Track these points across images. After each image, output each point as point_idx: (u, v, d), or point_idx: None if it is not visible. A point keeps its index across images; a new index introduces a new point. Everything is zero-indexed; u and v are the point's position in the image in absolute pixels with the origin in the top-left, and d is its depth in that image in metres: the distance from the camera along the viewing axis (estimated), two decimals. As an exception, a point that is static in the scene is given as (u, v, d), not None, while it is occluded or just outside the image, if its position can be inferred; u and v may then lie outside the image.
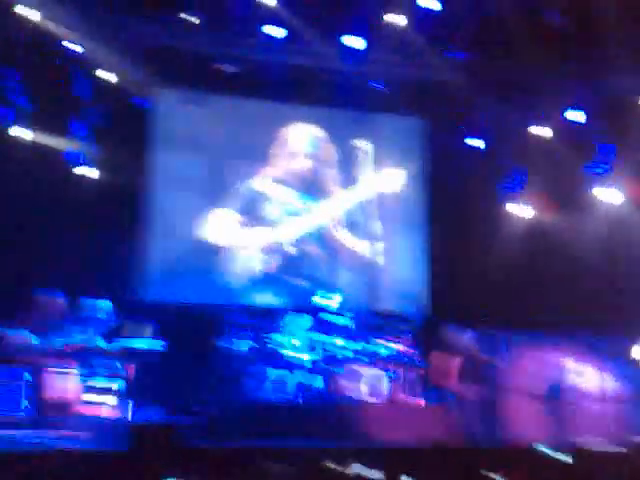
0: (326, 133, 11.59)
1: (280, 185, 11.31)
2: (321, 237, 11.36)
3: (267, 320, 9.27)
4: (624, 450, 6.20)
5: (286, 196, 11.30)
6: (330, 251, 11.38)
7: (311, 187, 11.45)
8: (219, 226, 10.94)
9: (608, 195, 10.66)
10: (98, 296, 8.81)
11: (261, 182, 11.24)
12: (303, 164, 11.44)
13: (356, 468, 4.65)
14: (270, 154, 11.33)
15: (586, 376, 9.13)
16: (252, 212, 11.13)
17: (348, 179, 11.54)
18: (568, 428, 8.71)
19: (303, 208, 11.33)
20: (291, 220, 11.23)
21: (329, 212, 11.43)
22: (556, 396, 8.93)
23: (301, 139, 11.49)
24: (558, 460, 5.52)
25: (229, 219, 11.00)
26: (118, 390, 8.44)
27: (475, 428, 8.55)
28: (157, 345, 8.58)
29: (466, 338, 9.22)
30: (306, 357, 8.89)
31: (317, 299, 9.57)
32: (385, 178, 11.55)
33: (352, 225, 11.54)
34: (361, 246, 11.45)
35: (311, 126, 11.56)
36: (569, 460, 5.37)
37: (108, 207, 10.03)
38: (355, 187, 11.51)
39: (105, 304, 8.69)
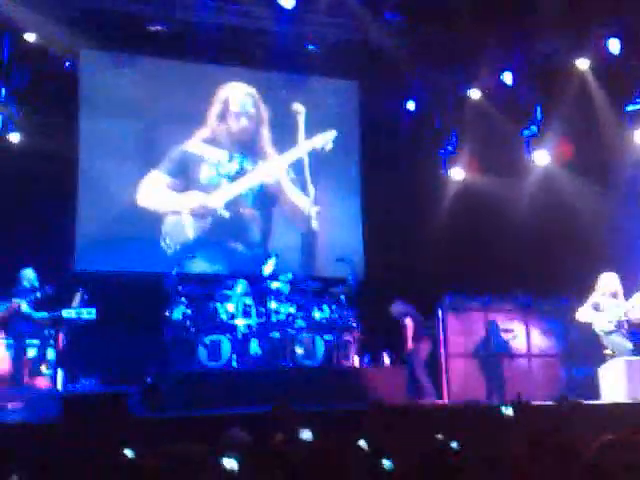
0: (260, 93, 11.40)
1: (213, 146, 11.06)
2: (256, 199, 11.21)
3: (202, 286, 9.16)
4: (556, 404, 6.38)
5: (220, 157, 11.08)
6: (265, 213, 11.26)
7: (245, 147, 11.25)
8: (152, 191, 10.69)
9: (540, 157, 10.81)
10: (25, 265, 8.55)
11: (194, 144, 10.99)
12: (237, 123, 11.21)
13: (304, 433, 4.61)
14: (203, 115, 11.08)
15: (518, 334, 9.36)
16: (185, 175, 10.88)
17: (282, 141, 11.44)
18: (503, 384, 8.94)
19: (237, 169, 11.16)
20: (225, 182, 11.04)
21: (264, 173, 11.29)
22: (490, 354, 9.14)
23: (235, 98, 11.26)
24: (498, 414, 5.61)
25: (162, 183, 10.76)
26: (48, 359, 8.26)
27: (421, 387, 8.72)
28: (88, 314, 8.38)
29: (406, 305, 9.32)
30: (241, 322, 8.83)
31: (252, 264, 9.50)
32: (319, 141, 11.49)
33: (287, 187, 11.44)
34: (296, 208, 11.40)
35: (245, 85, 11.35)
36: (509, 414, 5.47)
37: (34, 174, 9.63)
38: (289, 149, 11.43)
39: (31, 273, 8.44)
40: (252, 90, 11.37)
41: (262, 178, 11.28)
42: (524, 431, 4.30)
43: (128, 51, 10.69)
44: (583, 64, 10.42)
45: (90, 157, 10.41)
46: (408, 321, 9.16)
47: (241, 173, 11.16)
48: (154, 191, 10.70)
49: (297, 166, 11.53)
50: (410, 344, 9.08)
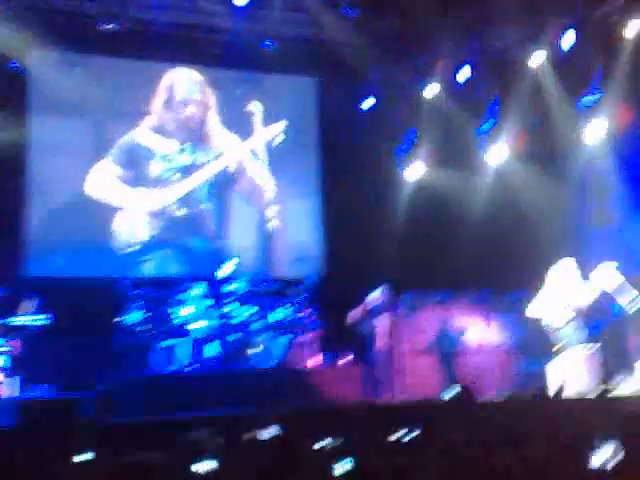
0: (210, 84, 11.20)
1: (162, 135, 10.85)
2: (211, 191, 11.07)
3: (157, 290, 9.07)
4: (514, 397, 6.42)
5: (170, 148, 10.89)
6: (221, 206, 11.11)
7: (194, 134, 11.04)
8: (101, 182, 10.43)
9: (496, 151, 10.87)
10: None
11: (142, 132, 10.77)
12: (184, 111, 11.01)
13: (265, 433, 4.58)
14: (151, 104, 10.88)
15: (475, 329, 9.41)
16: (136, 168, 10.68)
17: (239, 138, 11.34)
18: (460, 379, 8.97)
19: (190, 162, 11.01)
20: (178, 177, 10.88)
21: (219, 165, 11.15)
22: (447, 349, 9.18)
23: (180, 85, 11.05)
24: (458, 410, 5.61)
25: (112, 174, 10.51)
26: (4, 367, 8.14)
27: (384, 384, 8.73)
28: (41, 320, 8.26)
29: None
30: (198, 325, 8.76)
31: (209, 264, 9.43)
32: (276, 138, 11.43)
33: (248, 167, 11.34)
34: (257, 189, 11.30)
35: (189, 70, 11.14)
36: (449, 398, 5.47)
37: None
38: (245, 145, 11.34)
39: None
40: (197, 75, 11.17)
41: (217, 168, 11.11)
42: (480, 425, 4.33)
43: (79, 50, 10.51)
44: (538, 57, 10.46)
45: (40, 157, 10.20)
46: (384, 317, 9.08)
47: (193, 166, 11.01)
48: (104, 182, 10.48)
49: (254, 164, 11.45)
50: (382, 343, 9.01)
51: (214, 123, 11.21)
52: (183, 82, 11.08)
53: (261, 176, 11.37)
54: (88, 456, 3.90)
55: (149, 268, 10.01)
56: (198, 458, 3.57)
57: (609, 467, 2.73)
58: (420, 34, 10.99)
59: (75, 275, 9.87)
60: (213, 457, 3.59)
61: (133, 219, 10.54)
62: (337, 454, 3.92)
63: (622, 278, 8.39)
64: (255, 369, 8.62)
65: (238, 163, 11.28)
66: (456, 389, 5.47)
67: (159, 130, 10.88)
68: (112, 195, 10.49)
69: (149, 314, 8.70)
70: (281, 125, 11.48)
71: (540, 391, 7.50)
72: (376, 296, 9.15)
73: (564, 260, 8.62)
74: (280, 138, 11.46)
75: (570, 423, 5.07)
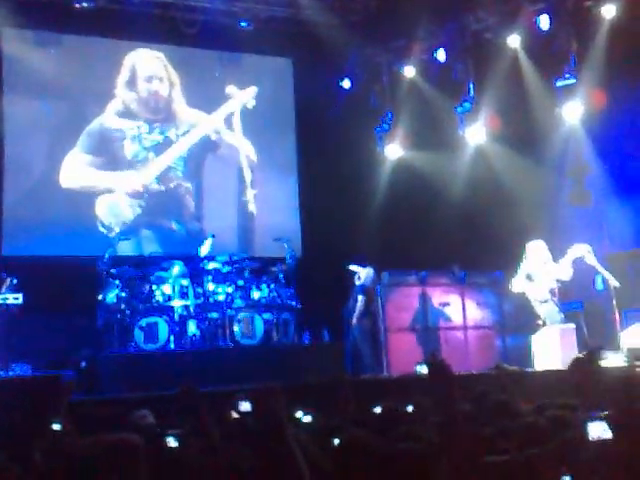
0: (181, 59, 11.14)
1: (128, 118, 10.72)
2: (187, 166, 10.96)
3: (136, 268, 8.95)
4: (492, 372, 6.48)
5: (139, 129, 10.75)
6: (198, 181, 11.03)
7: (160, 112, 10.93)
8: (73, 171, 10.32)
9: (473, 132, 10.93)
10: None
11: (110, 119, 10.62)
12: (147, 88, 10.89)
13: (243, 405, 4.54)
14: (117, 85, 10.75)
15: (455, 306, 9.50)
16: (109, 152, 10.57)
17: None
18: (442, 354, 9.02)
19: (162, 139, 10.88)
20: (152, 155, 10.76)
21: (193, 137, 11.01)
22: (428, 327, 9.25)
23: (142, 63, 10.93)
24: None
25: (82, 162, 10.39)
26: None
27: (364, 361, 8.75)
28: (15, 299, 8.07)
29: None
30: (178, 303, 8.67)
31: (188, 243, 9.34)
32: (241, 97, 11.34)
33: (225, 134, 11.24)
34: (235, 152, 11.23)
35: (150, 50, 11.02)
36: (424, 371, 5.49)
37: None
38: (219, 112, 11.23)
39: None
40: (159, 54, 11.05)
41: (191, 140, 10.98)
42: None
43: (54, 29, 10.33)
44: (514, 41, 10.54)
45: (15, 138, 10.03)
46: (360, 298, 9.11)
47: (166, 143, 10.87)
48: (75, 171, 10.35)
49: (230, 144, 11.38)
50: (356, 318, 9.06)
51: (180, 100, 11.10)
52: (145, 60, 10.97)
53: (238, 140, 11.28)
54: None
55: (129, 248, 9.88)
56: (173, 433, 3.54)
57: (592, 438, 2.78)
58: (397, 16, 11.00)
59: (52, 254, 9.71)
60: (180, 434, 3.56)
61: (114, 201, 10.43)
62: (320, 429, 3.92)
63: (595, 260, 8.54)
64: (237, 346, 8.55)
65: (213, 132, 11.15)
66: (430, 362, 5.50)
67: (126, 111, 10.75)
68: (89, 183, 10.38)
69: (129, 292, 8.58)
70: (253, 90, 11.37)
71: (524, 364, 7.64)
72: (364, 275, 9.19)
73: (536, 241, 8.74)
74: (252, 103, 11.33)
75: (551, 394, 5.15)
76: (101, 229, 10.33)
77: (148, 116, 10.84)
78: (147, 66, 10.94)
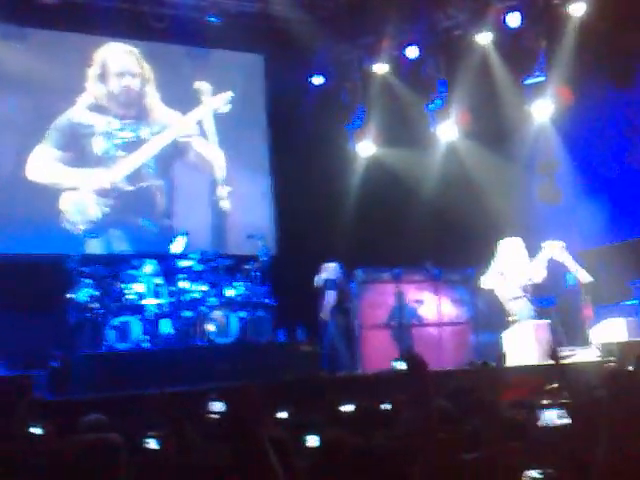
0: (150, 54, 10.96)
1: (99, 113, 10.55)
2: (158, 166, 10.83)
3: (108, 267, 8.83)
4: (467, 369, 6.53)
5: (110, 125, 10.61)
6: (169, 182, 10.91)
7: (132, 108, 10.78)
8: (40, 166, 10.12)
9: (444, 129, 10.98)
10: None
11: (80, 114, 10.46)
12: (119, 84, 10.72)
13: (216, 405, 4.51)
14: (88, 79, 10.58)
15: (429, 302, 9.54)
16: (77, 148, 10.39)
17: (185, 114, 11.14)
18: (416, 351, 9.06)
19: (133, 137, 10.76)
20: (122, 154, 10.61)
21: (164, 139, 10.91)
22: (402, 324, 9.28)
23: (114, 58, 10.76)
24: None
25: (50, 157, 10.20)
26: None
27: (339, 358, 8.75)
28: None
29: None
30: (151, 302, 8.59)
31: (160, 241, 9.25)
32: (215, 102, 11.28)
33: (194, 140, 11.15)
34: (205, 160, 11.14)
35: (123, 44, 10.87)
36: (402, 368, 5.49)
37: None
38: (191, 115, 11.16)
39: None
40: (133, 49, 10.90)
41: (163, 141, 10.89)
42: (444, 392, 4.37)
43: (20, 23, 10.12)
44: (485, 38, 10.61)
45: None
46: (331, 293, 9.13)
47: (137, 141, 10.75)
48: (43, 165, 10.16)
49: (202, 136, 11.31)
50: (325, 315, 9.08)
51: (153, 96, 10.96)
52: (117, 55, 10.81)
53: (209, 148, 11.20)
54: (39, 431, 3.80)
55: (98, 246, 9.76)
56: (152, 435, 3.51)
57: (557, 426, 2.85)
58: (367, 12, 11.01)
59: (18, 252, 9.55)
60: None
61: (81, 198, 10.27)
62: (296, 427, 3.91)
63: (568, 256, 8.66)
64: (211, 345, 8.50)
65: (185, 136, 11.10)
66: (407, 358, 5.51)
67: (97, 107, 10.59)
68: (55, 178, 10.21)
69: (100, 291, 8.46)
70: (227, 95, 11.31)
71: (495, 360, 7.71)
72: (330, 270, 9.21)
73: (511, 238, 8.83)
74: (227, 108, 11.30)
75: (521, 390, 5.20)
76: (67, 227, 10.13)
77: (119, 111, 10.69)
78: (119, 61, 10.77)
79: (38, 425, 3.97)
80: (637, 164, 10.27)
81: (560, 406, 3.04)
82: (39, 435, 3.84)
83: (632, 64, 10.14)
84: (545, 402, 2.85)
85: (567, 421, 3.04)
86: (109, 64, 10.72)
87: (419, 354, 5.42)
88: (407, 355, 5.44)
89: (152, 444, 3.36)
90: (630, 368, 4.82)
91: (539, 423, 2.82)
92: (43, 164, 10.17)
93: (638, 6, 9.40)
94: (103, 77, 10.66)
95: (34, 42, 10.28)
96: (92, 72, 10.61)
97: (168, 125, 10.99)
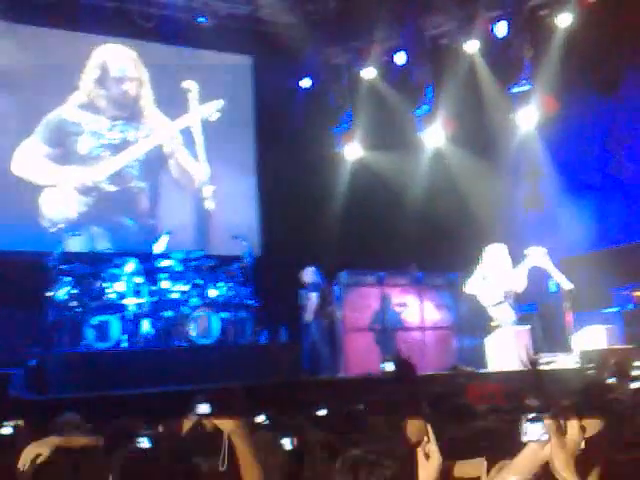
0: (138, 54, 10.94)
1: (91, 112, 10.52)
2: (142, 169, 10.79)
3: (88, 265, 8.72)
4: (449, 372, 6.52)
5: (99, 125, 10.57)
6: (153, 184, 10.87)
7: (125, 111, 10.76)
8: (27, 160, 10.06)
9: (431, 135, 11.01)
10: None
11: (71, 112, 10.42)
12: (118, 88, 10.72)
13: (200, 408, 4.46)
14: (81, 80, 10.54)
15: (414, 306, 9.53)
16: (64, 145, 10.34)
17: (171, 112, 11.10)
18: (401, 354, 9.03)
19: (120, 139, 10.70)
20: (108, 154, 10.56)
21: (150, 140, 10.87)
22: (385, 327, 9.26)
23: (114, 63, 10.75)
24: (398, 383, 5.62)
25: (38, 152, 10.15)
26: None
27: (322, 361, 8.71)
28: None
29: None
30: (132, 301, 8.49)
31: (142, 241, 9.16)
32: (205, 109, 11.25)
33: (178, 151, 11.11)
34: (187, 173, 11.09)
35: (122, 46, 10.86)
36: (390, 369, 5.46)
37: None
38: (179, 122, 11.13)
39: None
40: (131, 52, 10.88)
41: (148, 146, 10.85)
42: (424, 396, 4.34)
43: (9, 19, 10.06)
44: (472, 46, 10.67)
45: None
46: (313, 295, 9.11)
47: (124, 143, 10.70)
48: (29, 160, 10.10)
49: (189, 142, 11.25)
50: (309, 317, 9.05)
51: (147, 100, 10.96)
52: (117, 59, 10.79)
53: (192, 160, 11.19)
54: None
55: (79, 244, 9.66)
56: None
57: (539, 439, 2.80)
58: (356, 17, 11.04)
59: (2, 249, 9.44)
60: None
61: (61, 196, 10.20)
62: (277, 430, 3.87)
63: (550, 263, 8.69)
64: (192, 346, 8.41)
65: (170, 143, 11.07)
66: (396, 361, 5.48)
67: (88, 106, 10.54)
68: (39, 174, 10.14)
69: (80, 289, 8.34)
70: (218, 103, 11.32)
71: (478, 365, 7.70)
72: (309, 273, 9.20)
73: (496, 244, 8.85)
74: (216, 116, 11.29)
75: (504, 396, 5.19)
76: (45, 224, 10.06)
77: (112, 112, 10.68)
78: (120, 66, 10.78)
79: (9, 424, 3.86)
80: (620, 173, 10.36)
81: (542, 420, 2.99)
82: (9, 435, 3.74)
83: (616, 74, 10.24)
84: (530, 416, 2.79)
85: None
86: (109, 68, 10.73)
87: (408, 358, 5.42)
88: (397, 359, 5.44)
89: (145, 443, 3.27)
90: (609, 381, 4.85)
91: (523, 439, 2.76)
92: (29, 159, 10.11)
93: (622, 17, 9.51)
94: (101, 80, 10.66)
95: (24, 38, 10.24)
96: (90, 74, 10.61)
97: (156, 129, 10.95)
